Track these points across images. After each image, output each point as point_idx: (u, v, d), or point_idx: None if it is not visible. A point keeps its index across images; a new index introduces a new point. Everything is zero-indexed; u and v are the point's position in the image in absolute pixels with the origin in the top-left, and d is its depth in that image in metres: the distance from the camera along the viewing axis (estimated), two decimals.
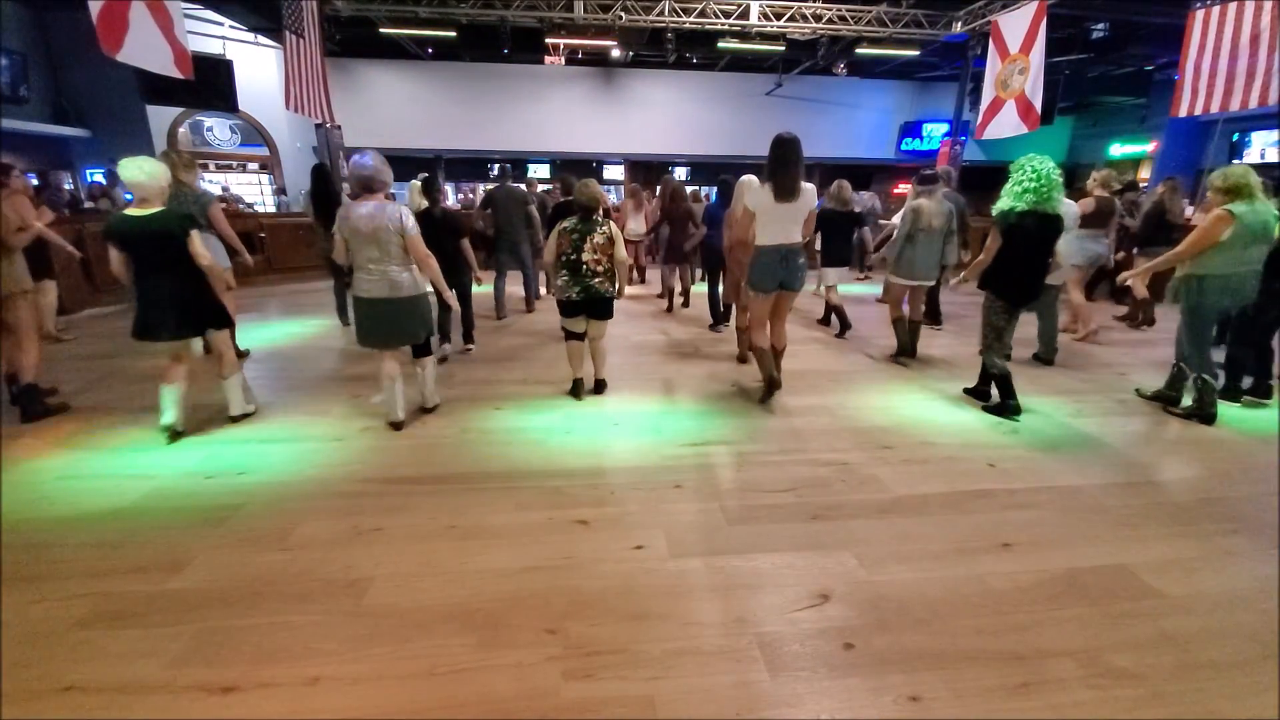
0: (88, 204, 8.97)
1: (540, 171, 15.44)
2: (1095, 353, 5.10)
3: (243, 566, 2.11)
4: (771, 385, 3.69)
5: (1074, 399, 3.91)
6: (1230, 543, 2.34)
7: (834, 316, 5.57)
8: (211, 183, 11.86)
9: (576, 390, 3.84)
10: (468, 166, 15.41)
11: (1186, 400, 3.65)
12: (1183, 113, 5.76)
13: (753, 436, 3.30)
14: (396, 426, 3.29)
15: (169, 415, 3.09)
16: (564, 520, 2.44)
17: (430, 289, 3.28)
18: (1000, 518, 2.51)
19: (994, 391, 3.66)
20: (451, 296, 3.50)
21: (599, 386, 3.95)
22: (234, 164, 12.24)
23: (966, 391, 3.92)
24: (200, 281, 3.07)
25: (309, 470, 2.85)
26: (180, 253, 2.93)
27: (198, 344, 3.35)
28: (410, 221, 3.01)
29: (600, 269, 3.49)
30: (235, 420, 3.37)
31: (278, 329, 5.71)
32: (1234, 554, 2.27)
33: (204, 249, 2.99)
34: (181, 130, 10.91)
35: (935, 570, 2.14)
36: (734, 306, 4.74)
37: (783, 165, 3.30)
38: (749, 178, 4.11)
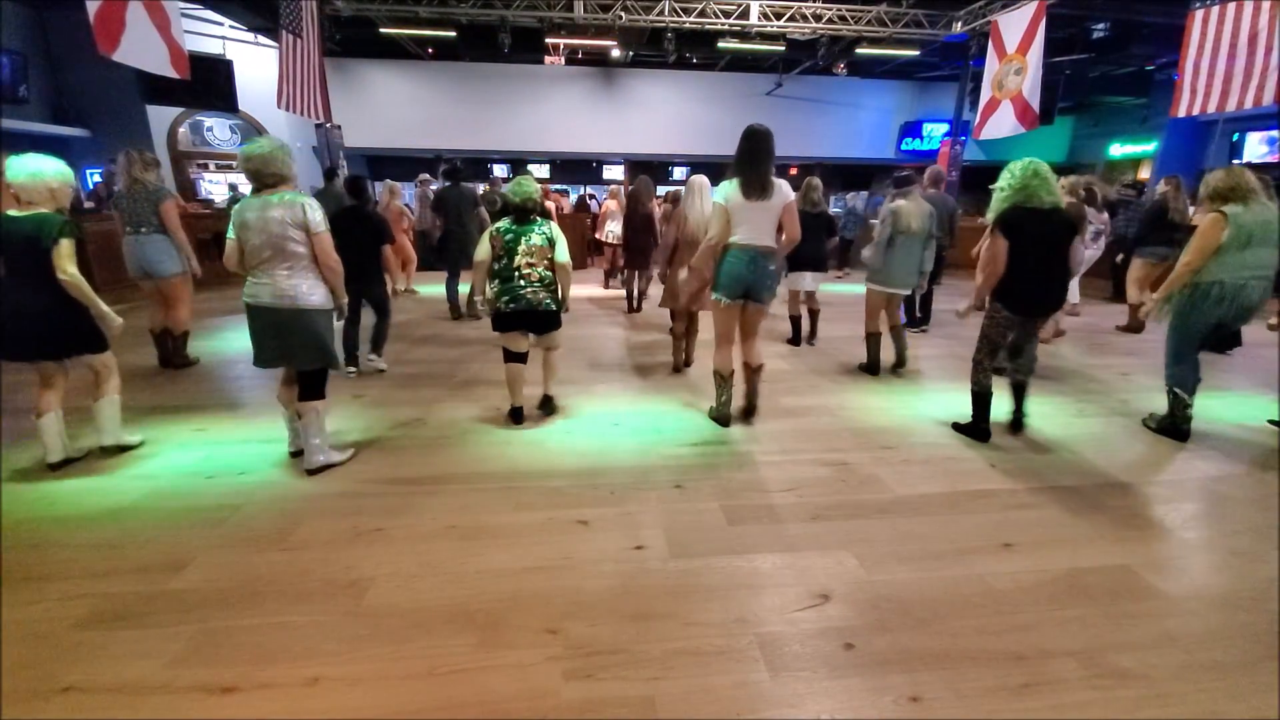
0: (88, 204, 8.97)
1: (540, 171, 15.46)
2: (1097, 353, 5.09)
3: (242, 567, 2.11)
4: (726, 418, 3.37)
5: (1075, 399, 3.91)
6: (1232, 543, 2.34)
7: (800, 325, 5.27)
8: (215, 183, 11.86)
9: (516, 416, 3.36)
10: (468, 166, 15.40)
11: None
12: (1182, 113, 5.76)
13: (753, 436, 3.29)
14: (295, 454, 2.88)
15: (55, 452, 2.74)
16: (564, 520, 2.43)
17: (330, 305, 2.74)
18: (1001, 518, 2.50)
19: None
20: (343, 304, 2.79)
21: (545, 405, 3.48)
22: (234, 164, 12.23)
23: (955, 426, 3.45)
24: (69, 297, 2.63)
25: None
26: (48, 262, 2.54)
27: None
28: (317, 216, 2.57)
29: (537, 276, 3.10)
30: (107, 452, 2.90)
31: None
32: (1236, 554, 2.26)
33: (71, 263, 2.56)
34: (181, 130, 10.91)
35: (936, 570, 2.14)
36: (671, 312, 4.41)
37: (751, 159, 3.03)
38: (700, 177, 4.06)
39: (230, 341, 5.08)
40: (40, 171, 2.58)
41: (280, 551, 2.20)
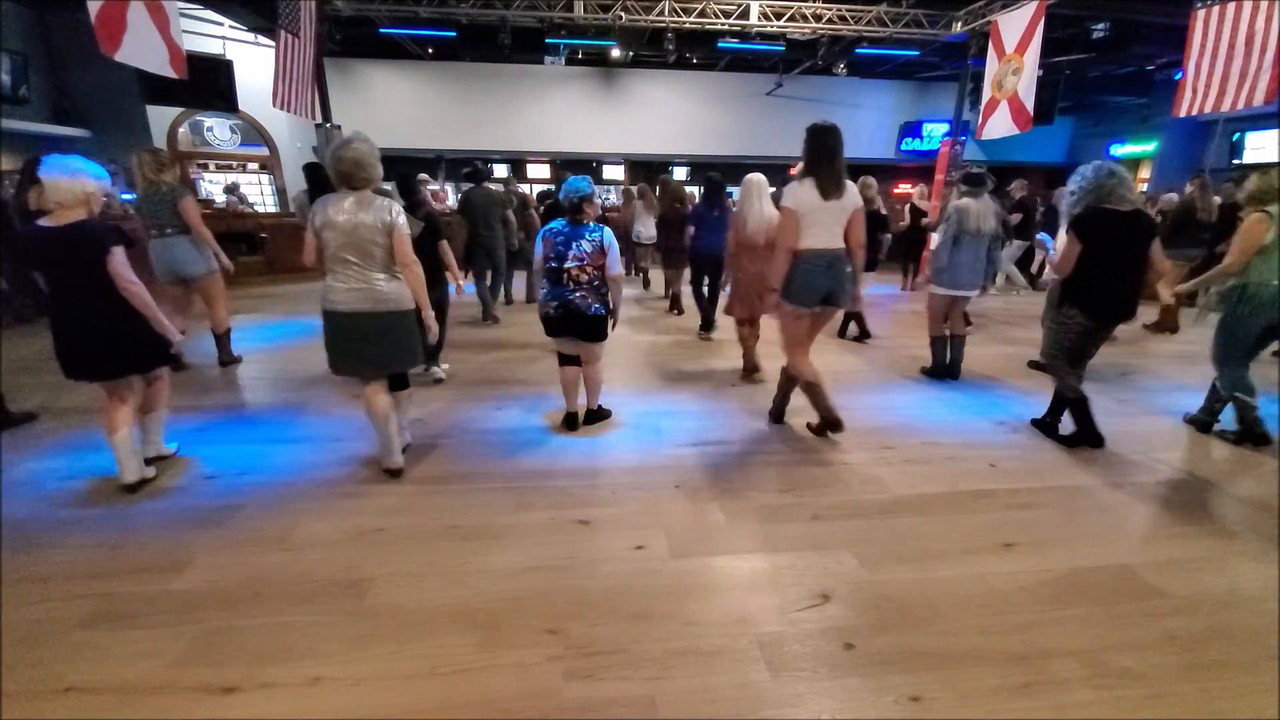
0: None
1: (540, 171, 15.46)
2: (1098, 354, 5.08)
3: (244, 567, 2.11)
4: (831, 423, 3.17)
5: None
6: (1233, 543, 2.34)
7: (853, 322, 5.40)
8: (213, 182, 11.85)
9: (570, 423, 3.35)
10: (467, 166, 15.39)
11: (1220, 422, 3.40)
12: (1183, 113, 5.75)
13: (753, 436, 3.29)
14: (394, 474, 2.78)
15: (131, 472, 2.60)
16: (565, 520, 2.43)
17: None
18: (1002, 517, 2.50)
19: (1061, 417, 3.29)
20: (431, 316, 2.70)
21: (591, 418, 3.42)
22: (234, 164, 12.24)
23: (1034, 424, 3.42)
24: (128, 309, 2.47)
25: (310, 470, 2.85)
26: (100, 274, 2.38)
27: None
28: (402, 219, 2.53)
29: (584, 280, 2.99)
30: (149, 461, 2.75)
31: (278, 329, 5.71)
32: (1237, 554, 2.26)
33: (130, 271, 2.41)
34: (181, 130, 10.91)
35: (937, 570, 2.14)
36: (735, 321, 4.26)
37: (827, 156, 2.89)
38: (758, 176, 3.93)
39: (231, 342, 5.08)
40: (81, 173, 2.40)
41: (281, 551, 2.21)
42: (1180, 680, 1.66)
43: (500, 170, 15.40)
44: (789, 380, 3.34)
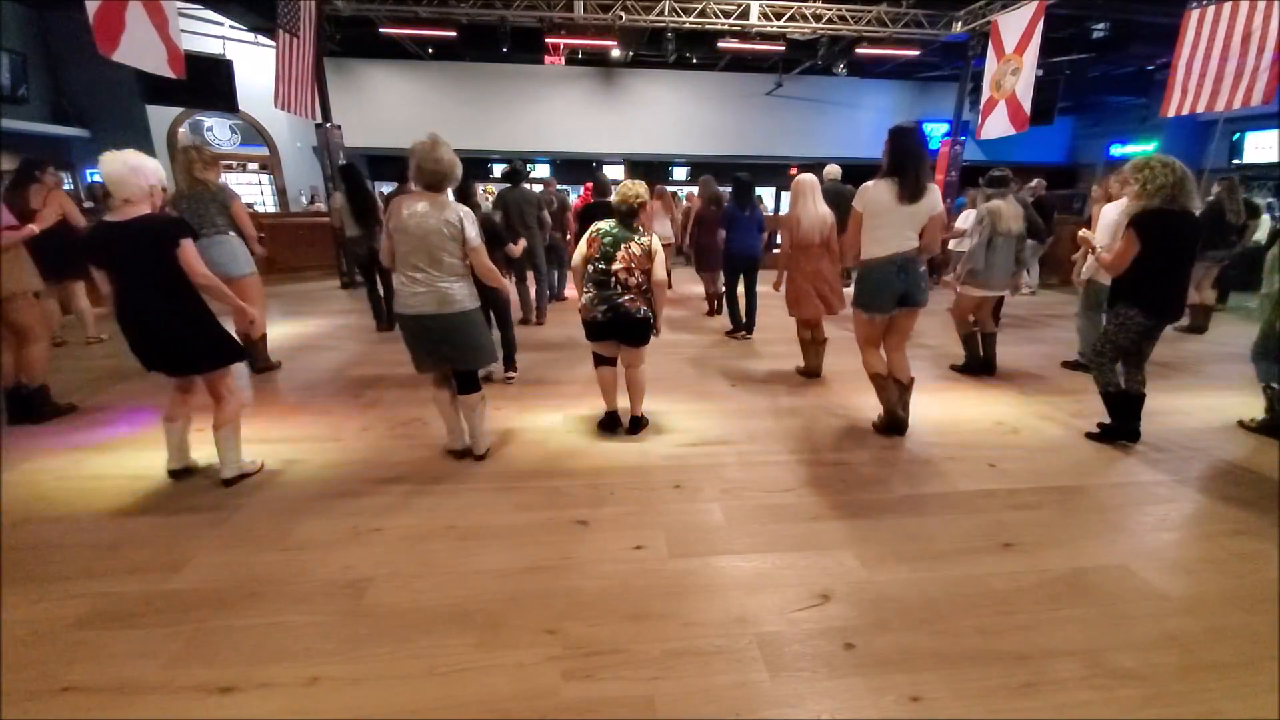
0: (88, 204, 8.97)
1: (540, 171, 15.46)
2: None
3: (241, 566, 2.11)
4: (895, 422, 3.22)
5: (1075, 399, 3.90)
6: (1232, 543, 2.33)
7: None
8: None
9: (609, 424, 3.29)
10: (468, 166, 15.30)
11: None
12: (1171, 112, 5.74)
13: (753, 436, 3.29)
14: (458, 455, 2.95)
15: (174, 459, 2.71)
16: (564, 520, 2.43)
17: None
18: (1002, 517, 2.50)
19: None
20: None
21: (635, 425, 3.30)
22: (234, 164, 12.24)
23: (1099, 431, 3.28)
24: (198, 304, 2.50)
25: (308, 470, 2.84)
26: (170, 268, 2.38)
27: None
28: (473, 230, 2.57)
29: (632, 283, 2.93)
30: (229, 483, 2.66)
31: (277, 329, 5.69)
32: (1236, 555, 2.26)
33: (201, 264, 2.44)
34: (181, 130, 10.90)
35: (936, 570, 2.13)
36: (795, 321, 4.29)
37: (911, 158, 2.83)
38: (809, 177, 3.97)
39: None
40: (141, 167, 2.36)
41: (279, 551, 2.20)
42: (1179, 680, 1.66)
43: (543, 170, 15.42)
44: (879, 379, 3.26)
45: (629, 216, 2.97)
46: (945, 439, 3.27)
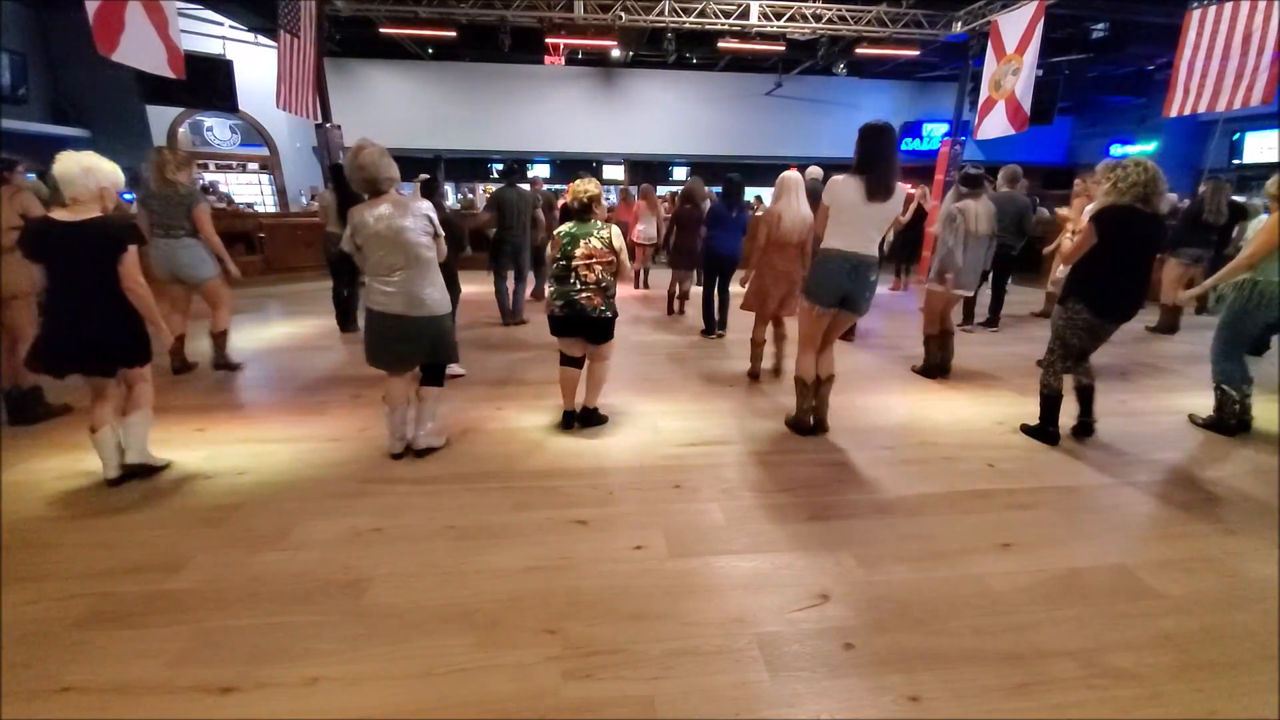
0: None
1: (540, 171, 15.46)
2: (1099, 354, 5.08)
3: (241, 567, 2.11)
4: (805, 425, 3.25)
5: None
6: (1230, 543, 2.34)
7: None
8: (213, 183, 11.85)
9: (566, 423, 3.32)
10: (468, 166, 15.41)
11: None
12: (1174, 112, 5.75)
13: (753, 436, 3.29)
14: (397, 456, 2.92)
15: (111, 468, 2.61)
16: (563, 520, 2.43)
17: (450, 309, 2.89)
18: (999, 518, 2.50)
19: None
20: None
21: (587, 418, 3.34)
22: (234, 164, 12.25)
23: (1029, 427, 3.34)
24: (126, 308, 2.48)
25: (307, 470, 2.85)
26: (109, 271, 2.38)
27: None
28: (436, 218, 2.66)
29: (591, 279, 2.97)
30: (129, 470, 2.64)
31: (277, 329, 5.71)
32: (1234, 554, 2.26)
33: (140, 273, 2.44)
34: (181, 130, 10.91)
35: (934, 570, 2.14)
36: (754, 317, 4.20)
37: (881, 157, 2.82)
38: (793, 174, 3.90)
39: (232, 342, 5.08)
40: (95, 168, 2.38)
41: (279, 551, 2.20)
42: (1176, 680, 1.66)
43: (542, 170, 15.42)
44: (800, 384, 3.27)
45: (583, 213, 3.03)
46: (944, 439, 3.28)
